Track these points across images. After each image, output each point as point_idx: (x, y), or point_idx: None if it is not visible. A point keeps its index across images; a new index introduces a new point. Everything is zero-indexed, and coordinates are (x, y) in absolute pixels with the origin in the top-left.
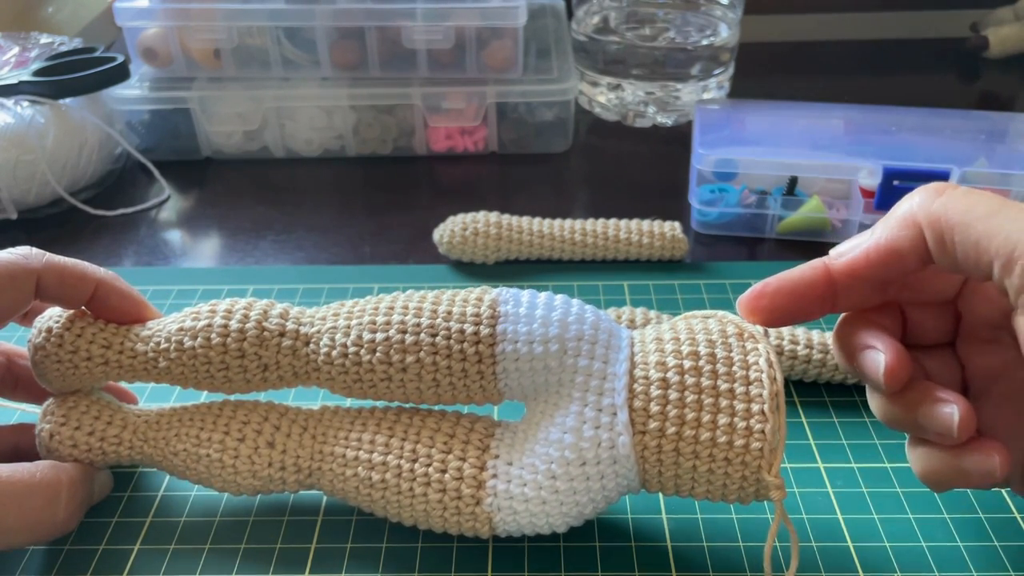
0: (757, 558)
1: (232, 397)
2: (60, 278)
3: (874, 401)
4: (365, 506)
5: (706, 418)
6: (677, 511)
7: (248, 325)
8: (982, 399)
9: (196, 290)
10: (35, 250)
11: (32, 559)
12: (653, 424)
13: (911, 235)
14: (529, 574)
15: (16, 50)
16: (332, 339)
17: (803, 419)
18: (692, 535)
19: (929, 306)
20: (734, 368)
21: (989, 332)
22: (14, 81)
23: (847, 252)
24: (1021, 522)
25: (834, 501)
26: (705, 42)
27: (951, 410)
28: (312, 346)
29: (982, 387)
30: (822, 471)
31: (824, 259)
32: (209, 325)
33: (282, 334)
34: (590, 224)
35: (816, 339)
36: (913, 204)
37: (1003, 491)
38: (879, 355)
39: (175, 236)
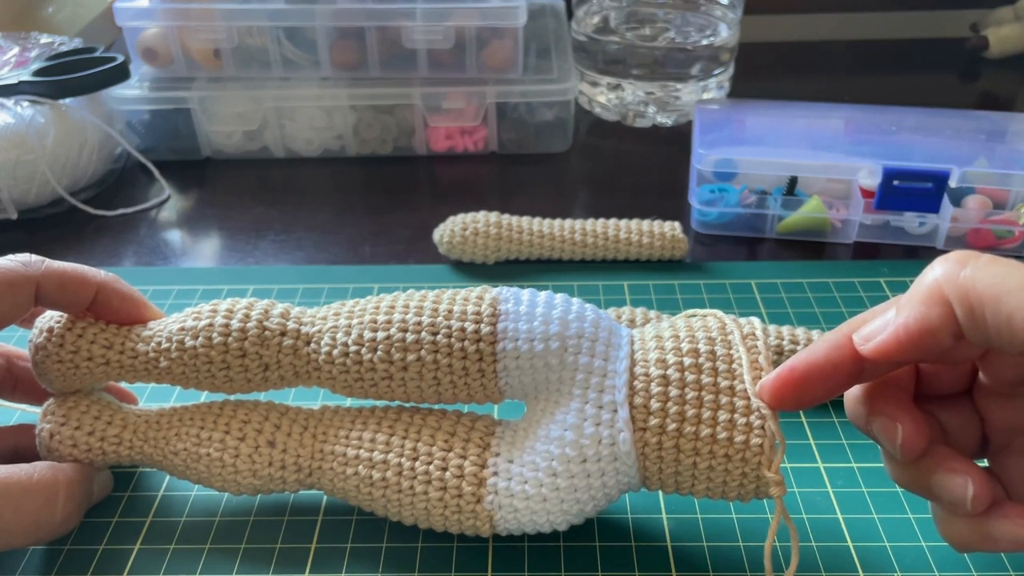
0: (757, 558)
1: (232, 397)
2: (60, 285)
3: (888, 464)
4: (365, 505)
5: (706, 415)
6: (677, 511)
7: (249, 324)
8: (1004, 452)
9: (196, 290)
10: (35, 257)
11: (32, 559)
12: (654, 421)
13: (941, 312)
14: (529, 574)
15: (16, 50)
16: (333, 338)
17: (803, 419)
18: (692, 535)
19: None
20: (734, 365)
21: (1009, 388)
22: (14, 81)
23: (876, 335)
24: None
25: (834, 501)
26: (705, 42)
27: (964, 481)
28: (313, 345)
29: (1003, 441)
30: (822, 471)
31: (848, 335)
32: (210, 324)
33: (283, 333)
34: (590, 224)
35: (816, 339)
36: (937, 276)
37: None
38: (895, 425)
39: (175, 236)
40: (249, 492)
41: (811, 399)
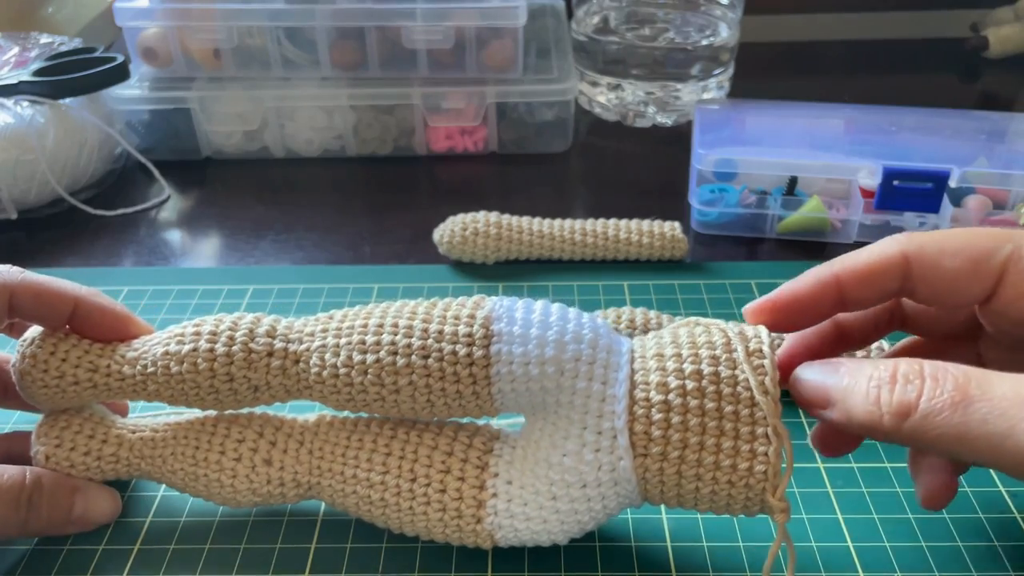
0: (757, 558)
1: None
2: (36, 297)
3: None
4: (366, 519)
5: (709, 441)
6: (677, 511)
7: (234, 348)
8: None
9: (196, 290)
10: (13, 268)
11: (32, 559)
12: (655, 448)
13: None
14: (529, 574)
15: (16, 50)
16: (322, 358)
17: (803, 419)
18: (692, 535)
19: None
20: (738, 388)
21: (1009, 344)
22: (14, 81)
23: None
24: (1021, 522)
25: (834, 501)
26: (705, 42)
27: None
28: (302, 365)
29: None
30: (822, 471)
31: (833, 272)
32: (194, 350)
33: (270, 354)
34: (590, 224)
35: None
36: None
37: (1002, 490)
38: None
39: (175, 236)
40: (250, 506)
41: (789, 327)
